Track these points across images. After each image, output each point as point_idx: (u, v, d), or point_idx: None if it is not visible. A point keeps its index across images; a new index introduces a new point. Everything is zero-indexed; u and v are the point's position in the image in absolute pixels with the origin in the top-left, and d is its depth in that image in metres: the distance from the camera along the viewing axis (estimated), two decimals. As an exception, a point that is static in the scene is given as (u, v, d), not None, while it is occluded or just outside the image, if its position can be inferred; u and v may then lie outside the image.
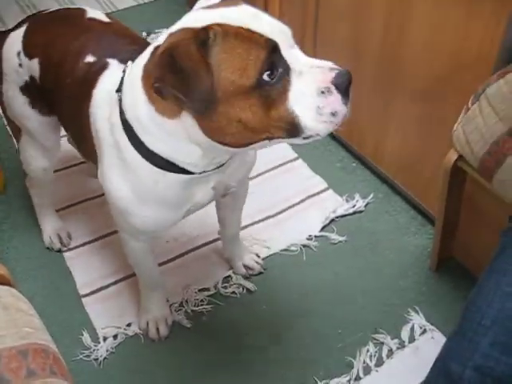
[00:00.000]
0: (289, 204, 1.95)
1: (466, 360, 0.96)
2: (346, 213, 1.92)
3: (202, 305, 1.67)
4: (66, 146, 2.16)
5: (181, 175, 1.16)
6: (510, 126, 1.23)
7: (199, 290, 1.70)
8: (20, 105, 1.54)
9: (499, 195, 1.33)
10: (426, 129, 1.75)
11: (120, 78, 1.18)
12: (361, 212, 1.94)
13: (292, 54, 1.00)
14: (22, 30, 1.52)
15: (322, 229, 1.87)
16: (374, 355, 1.56)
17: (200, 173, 1.17)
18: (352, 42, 1.90)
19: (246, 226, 1.86)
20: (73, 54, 1.39)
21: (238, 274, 1.75)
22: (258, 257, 1.78)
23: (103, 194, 1.93)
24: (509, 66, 1.32)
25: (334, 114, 1.00)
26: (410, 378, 1.51)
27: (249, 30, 0.98)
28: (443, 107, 1.64)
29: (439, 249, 1.70)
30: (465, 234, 1.68)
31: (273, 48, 0.97)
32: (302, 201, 1.96)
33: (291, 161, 2.11)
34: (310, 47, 2.12)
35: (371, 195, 1.98)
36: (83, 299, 1.69)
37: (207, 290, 1.71)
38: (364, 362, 1.55)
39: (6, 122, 2.18)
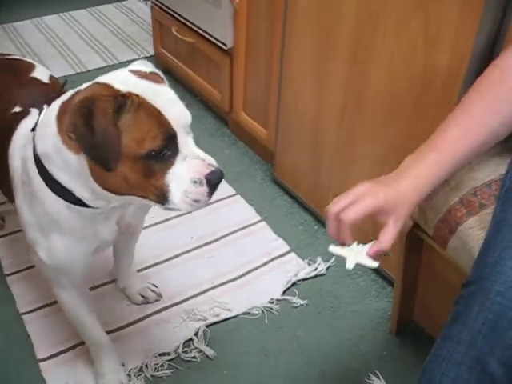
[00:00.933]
0: (251, 267, 1.95)
1: (492, 348, 0.95)
2: (308, 276, 1.93)
3: (161, 369, 1.65)
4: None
5: (83, 208, 1.23)
6: (462, 195, 1.27)
7: (159, 355, 1.68)
8: None
9: (453, 260, 1.36)
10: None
11: (36, 120, 1.29)
12: (323, 275, 1.95)
13: (185, 141, 1.16)
14: None
15: (284, 292, 1.88)
16: (335, 421, 1.55)
17: (99, 208, 1.25)
18: (314, 107, 1.95)
19: (208, 290, 1.87)
20: (3, 104, 1.48)
21: (134, 303, 1.83)
22: (155, 286, 1.86)
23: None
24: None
25: (196, 201, 1.15)
26: None
27: (159, 112, 1.11)
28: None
29: (399, 313, 1.71)
30: (424, 298, 1.70)
31: (171, 135, 1.12)
32: (265, 264, 1.96)
33: (254, 224, 2.13)
34: (275, 110, 2.17)
35: (333, 258, 2.00)
36: (41, 364, 1.65)
37: (167, 354, 1.69)
38: (324, 428, 1.54)
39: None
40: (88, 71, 3.12)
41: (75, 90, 1.20)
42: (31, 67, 1.66)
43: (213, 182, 1.16)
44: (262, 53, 2.22)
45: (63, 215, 1.25)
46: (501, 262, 0.99)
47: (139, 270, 1.92)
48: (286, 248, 2.03)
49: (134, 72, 1.21)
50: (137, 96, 1.11)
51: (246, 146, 2.55)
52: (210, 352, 1.69)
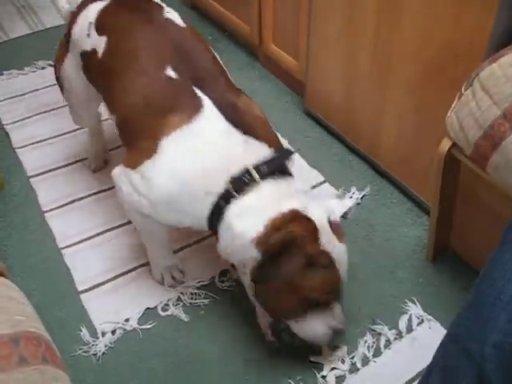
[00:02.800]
0: (285, 198, 1.95)
1: (485, 337, 0.94)
2: (343, 205, 1.92)
3: (199, 298, 1.68)
4: (59, 144, 2.18)
5: None
6: (504, 109, 1.23)
7: (197, 283, 1.71)
8: (73, 66, 1.73)
9: (494, 182, 1.33)
10: (421, 120, 1.75)
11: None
12: (357, 204, 1.94)
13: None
14: (101, 5, 1.65)
15: (319, 221, 1.88)
16: (372, 346, 1.56)
17: None
18: (346, 33, 1.90)
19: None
20: (148, 53, 1.50)
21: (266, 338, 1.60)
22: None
23: (100, 192, 1.96)
24: (501, 51, 1.32)
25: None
26: (408, 368, 1.51)
27: (338, 281, 1.41)
28: (437, 98, 1.64)
29: (435, 239, 1.70)
30: (461, 224, 1.68)
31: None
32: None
33: (287, 155, 2.11)
34: (304, 40, 2.13)
35: (367, 188, 1.99)
36: (81, 295, 1.69)
37: (204, 283, 1.71)
38: (362, 353, 1.55)
39: (3, 122, 2.21)
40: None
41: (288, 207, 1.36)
42: (160, 7, 1.68)
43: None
44: (291, -19, 2.16)
45: None
46: None
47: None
48: (321, 178, 2.02)
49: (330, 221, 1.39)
50: (330, 259, 1.34)
51: (276, 78, 2.51)
52: (246, 281, 1.71)
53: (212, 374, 1.52)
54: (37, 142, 2.20)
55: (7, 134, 2.25)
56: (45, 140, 2.21)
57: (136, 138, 1.47)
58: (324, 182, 2.01)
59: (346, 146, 2.14)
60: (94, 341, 1.58)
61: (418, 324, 1.61)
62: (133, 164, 1.45)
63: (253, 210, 1.36)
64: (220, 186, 1.37)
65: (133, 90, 1.49)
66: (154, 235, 1.62)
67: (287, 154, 1.49)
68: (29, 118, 2.32)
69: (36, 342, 0.75)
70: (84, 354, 1.56)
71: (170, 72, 1.45)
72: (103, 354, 1.56)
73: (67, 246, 1.82)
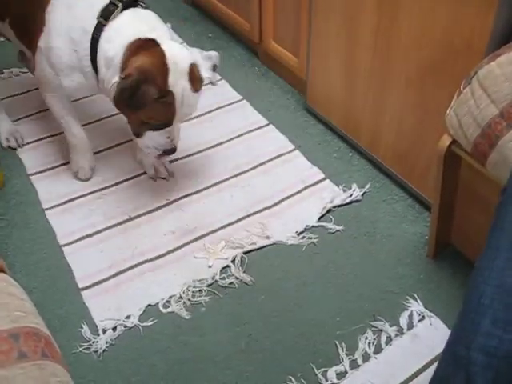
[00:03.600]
0: (286, 195, 1.95)
1: (470, 342, 0.95)
2: (344, 202, 1.93)
3: (200, 296, 1.68)
4: (59, 143, 2.18)
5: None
6: (502, 108, 1.23)
7: (198, 281, 1.71)
8: None
9: (494, 178, 1.33)
10: (421, 116, 1.75)
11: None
12: (358, 201, 1.94)
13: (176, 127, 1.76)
14: None
15: (320, 219, 1.88)
16: (373, 342, 1.56)
17: None
18: (347, 30, 1.90)
19: (243, 218, 1.87)
20: None
21: (148, 174, 2.03)
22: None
23: (101, 189, 1.97)
24: (500, 49, 1.32)
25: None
26: (409, 365, 1.51)
27: (175, 111, 1.68)
28: (437, 94, 1.64)
29: (436, 235, 1.70)
30: (461, 220, 1.68)
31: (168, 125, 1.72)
32: (300, 191, 1.96)
33: (288, 152, 2.11)
34: (305, 38, 2.13)
35: (368, 184, 1.99)
36: (82, 292, 1.69)
37: (205, 281, 1.71)
38: (363, 350, 1.55)
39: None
40: None
41: (139, 35, 1.63)
42: None
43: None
44: (291, -23, 2.16)
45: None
46: None
47: (173, 201, 1.94)
48: (321, 175, 2.02)
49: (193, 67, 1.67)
50: (173, 96, 1.63)
51: (276, 75, 2.51)
52: (247, 279, 1.71)
53: (213, 371, 1.52)
54: (37, 141, 2.20)
55: (8, 132, 2.25)
56: (45, 138, 2.21)
57: (30, 26, 1.77)
58: (324, 179, 2.00)
59: (347, 142, 2.14)
60: (94, 338, 1.58)
61: (419, 320, 1.61)
62: (36, 47, 1.76)
63: (117, 33, 1.64)
64: (93, 21, 1.66)
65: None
66: (69, 122, 1.94)
67: None
68: (29, 116, 2.32)
69: (36, 338, 0.75)
70: (85, 351, 1.56)
71: None
72: (104, 350, 1.56)
73: (68, 244, 1.82)
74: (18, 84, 2.49)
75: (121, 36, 1.64)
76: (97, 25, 1.66)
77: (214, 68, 1.76)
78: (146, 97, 1.59)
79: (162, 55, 1.61)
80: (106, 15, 1.65)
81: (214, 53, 1.77)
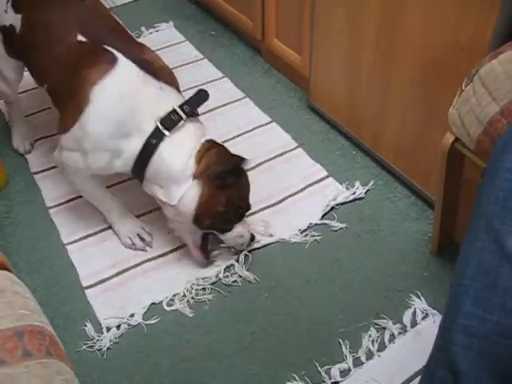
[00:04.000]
0: (289, 192, 1.95)
1: (451, 323, 0.95)
2: (347, 200, 1.92)
3: (204, 294, 1.68)
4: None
5: None
6: (502, 106, 1.23)
7: (202, 279, 1.71)
8: None
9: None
10: (425, 114, 1.74)
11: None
12: (361, 199, 1.94)
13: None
14: None
15: (323, 216, 1.88)
16: (376, 340, 1.56)
17: None
18: (350, 27, 1.89)
19: (247, 216, 1.86)
20: (58, 24, 1.69)
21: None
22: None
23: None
24: (502, 47, 1.32)
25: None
26: (413, 362, 1.51)
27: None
28: (440, 92, 1.64)
29: (439, 233, 1.70)
30: (465, 218, 1.66)
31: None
32: (303, 189, 1.96)
33: (291, 150, 2.11)
34: (308, 35, 2.12)
35: (371, 182, 1.98)
36: (86, 291, 1.69)
37: (209, 279, 1.71)
38: (366, 348, 1.55)
39: (7, 119, 2.23)
40: (116, 6, 3.07)
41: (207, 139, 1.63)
42: None
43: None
44: (293, -25, 2.16)
45: None
46: (509, 143, 0.98)
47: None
48: (324, 173, 2.01)
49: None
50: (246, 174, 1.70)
51: (279, 73, 2.51)
52: (250, 277, 1.71)
53: (216, 369, 1.52)
54: (41, 139, 2.20)
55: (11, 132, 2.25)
56: (48, 136, 2.21)
57: (66, 99, 1.63)
58: (327, 176, 2.00)
59: (350, 140, 2.14)
60: (98, 336, 1.59)
61: (423, 318, 1.61)
62: (68, 123, 1.60)
63: (183, 145, 1.57)
64: (150, 124, 1.55)
65: (52, 58, 1.66)
66: (100, 194, 1.81)
67: (204, 95, 1.67)
68: (33, 114, 2.32)
69: (40, 336, 0.75)
70: (89, 350, 1.56)
71: (81, 37, 1.63)
72: (108, 349, 1.56)
73: (72, 242, 1.83)
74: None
75: (185, 149, 1.58)
76: (155, 130, 1.55)
77: None
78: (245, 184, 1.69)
79: (221, 146, 1.67)
80: (168, 125, 1.55)
81: None
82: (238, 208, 1.65)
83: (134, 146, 1.56)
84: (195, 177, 1.56)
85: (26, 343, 0.72)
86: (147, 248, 1.79)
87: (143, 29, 2.81)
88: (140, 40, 2.69)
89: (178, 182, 1.56)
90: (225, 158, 1.60)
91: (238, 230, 1.67)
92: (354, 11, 1.85)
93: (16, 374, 0.68)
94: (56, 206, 1.95)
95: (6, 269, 0.84)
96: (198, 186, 1.56)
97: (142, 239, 1.80)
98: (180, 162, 1.56)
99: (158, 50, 2.63)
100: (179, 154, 1.56)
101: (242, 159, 1.60)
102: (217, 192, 1.57)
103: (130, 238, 1.80)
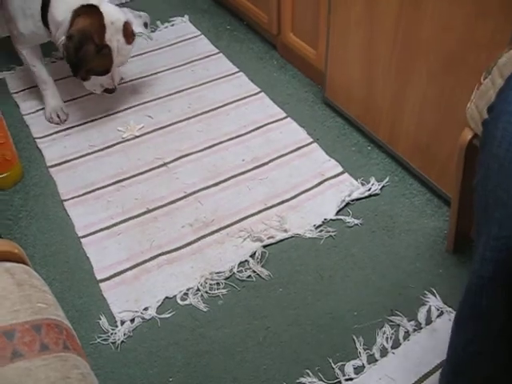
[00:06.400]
0: (304, 188, 1.94)
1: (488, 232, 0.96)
2: (362, 196, 1.91)
3: (218, 289, 1.68)
4: (77, 135, 2.19)
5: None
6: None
7: (216, 273, 1.71)
8: None
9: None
10: (442, 109, 1.73)
11: None
12: (376, 195, 1.93)
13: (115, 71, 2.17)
14: None
15: (338, 212, 1.87)
16: (391, 337, 1.56)
17: None
18: (367, 20, 1.88)
19: (261, 211, 1.87)
20: None
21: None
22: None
23: (119, 181, 1.97)
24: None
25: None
26: (427, 360, 1.51)
27: (111, 62, 2.10)
28: (459, 88, 1.62)
29: (455, 230, 1.68)
30: (482, 215, 1.66)
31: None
32: (318, 185, 1.95)
33: (306, 145, 2.10)
34: (324, 30, 2.11)
35: (387, 178, 1.97)
36: (100, 284, 1.69)
37: (223, 274, 1.71)
38: (380, 344, 1.54)
39: (22, 113, 2.24)
40: (132, 1, 3.07)
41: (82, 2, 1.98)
42: None
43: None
44: (310, -31, 2.14)
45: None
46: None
47: (191, 193, 1.94)
48: (339, 169, 2.00)
49: (126, 25, 2.07)
50: (109, 49, 2.03)
51: (295, 68, 2.50)
52: (265, 273, 1.71)
53: (230, 363, 1.52)
54: (56, 133, 2.21)
55: (27, 124, 2.26)
56: (65, 130, 2.22)
57: None
58: (343, 172, 1.99)
59: (365, 136, 2.13)
60: (112, 329, 1.59)
61: (438, 316, 1.60)
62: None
63: (64, 1, 1.98)
64: None
65: None
66: (38, 70, 2.23)
67: None
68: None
69: (57, 330, 0.75)
70: (103, 343, 1.57)
71: None
72: (122, 342, 1.57)
73: (86, 235, 1.83)
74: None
75: (67, 3, 1.98)
76: None
77: (146, 25, 2.18)
78: (87, 53, 1.98)
79: (100, 17, 1.98)
80: None
81: (143, 13, 2.20)
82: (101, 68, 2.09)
83: (38, 6, 2.01)
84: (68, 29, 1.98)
85: (44, 337, 0.72)
86: (161, 243, 1.79)
87: (158, 23, 2.80)
88: (155, 34, 2.71)
89: (59, 31, 2.01)
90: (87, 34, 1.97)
91: (94, 79, 2.13)
92: (371, 6, 1.83)
93: (34, 368, 0.68)
94: (71, 198, 1.95)
95: (23, 262, 0.85)
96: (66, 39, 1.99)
97: (59, 116, 2.25)
98: (59, 14, 1.99)
99: (173, 44, 2.66)
100: (60, 7, 1.99)
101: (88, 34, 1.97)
102: (71, 47, 1.97)
103: (50, 113, 2.25)
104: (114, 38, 2.03)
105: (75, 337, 0.81)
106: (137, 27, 2.14)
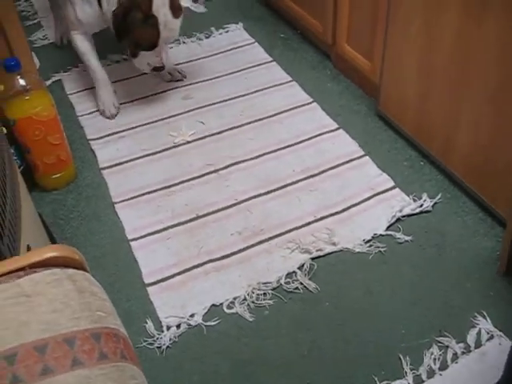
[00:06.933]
0: (354, 201, 1.93)
1: None
2: (413, 212, 1.89)
3: (264, 299, 1.68)
4: (131, 138, 2.21)
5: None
6: None
7: (263, 284, 1.70)
8: None
9: None
10: (499, 127, 1.69)
11: None
12: (428, 212, 1.90)
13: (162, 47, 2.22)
14: None
15: (388, 227, 1.85)
16: (438, 358, 1.53)
17: None
18: (425, 35, 1.85)
19: (310, 223, 1.86)
20: None
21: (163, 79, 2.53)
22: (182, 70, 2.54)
23: (171, 186, 1.99)
24: None
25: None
26: (476, 384, 1.48)
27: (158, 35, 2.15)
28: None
29: (509, 252, 1.65)
30: (537, 238, 1.62)
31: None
32: (369, 198, 1.93)
33: (358, 158, 2.09)
34: (380, 42, 2.10)
35: (439, 195, 1.94)
36: (148, 288, 1.71)
37: (270, 284, 1.70)
38: (428, 365, 1.51)
39: (77, 114, 2.28)
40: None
41: None
42: None
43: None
44: (369, -19, 2.13)
45: None
46: None
47: (241, 201, 1.94)
48: (391, 183, 1.98)
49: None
50: (156, 20, 2.09)
51: (348, 79, 2.48)
52: (312, 286, 1.70)
53: (274, 375, 1.51)
54: (110, 135, 2.24)
55: (81, 125, 2.30)
56: (118, 132, 2.25)
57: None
58: (394, 187, 1.97)
59: (418, 151, 2.10)
60: (158, 334, 1.60)
61: (488, 339, 1.56)
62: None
63: None
64: None
65: None
66: (91, 61, 2.32)
67: None
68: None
69: (115, 339, 0.76)
70: (148, 347, 1.58)
71: None
72: (167, 347, 1.58)
73: (135, 239, 1.85)
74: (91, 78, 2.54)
75: None
76: None
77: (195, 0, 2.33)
78: (134, 21, 2.06)
79: None
80: None
81: None
82: (135, 39, 2.14)
83: None
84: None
85: (103, 345, 0.73)
86: (210, 249, 1.79)
87: (213, 29, 2.82)
88: (209, 40, 2.73)
89: (110, 4, 2.11)
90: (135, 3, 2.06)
91: (143, 54, 2.20)
92: (432, 19, 1.81)
93: (93, 377, 0.69)
94: (122, 201, 1.98)
95: (83, 268, 0.85)
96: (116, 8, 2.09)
97: (110, 111, 2.33)
98: None
99: (227, 50, 2.68)
100: None
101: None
102: (119, 13, 2.07)
103: (101, 105, 2.34)
104: (160, 11, 2.08)
105: (131, 346, 0.81)
106: (185, 1, 2.22)
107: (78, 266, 0.85)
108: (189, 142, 2.19)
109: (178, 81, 2.51)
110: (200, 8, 2.28)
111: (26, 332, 0.71)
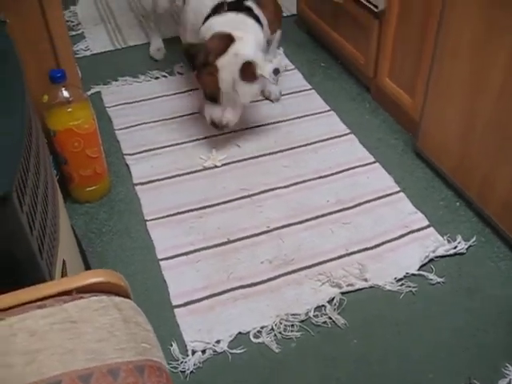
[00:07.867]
0: (387, 238, 1.91)
1: None
2: (447, 253, 1.86)
3: (292, 331, 1.66)
4: (167, 155, 2.22)
5: None
6: None
7: (291, 315, 1.69)
8: None
9: None
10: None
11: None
12: (461, 254, 1.87)
13: None
14: None
15: (421, 267, 1.82)
16: (467, 406, 1.50)
17: None
18: (472, 74, 1.83)
19: (342, 256, 1.84)
20: None
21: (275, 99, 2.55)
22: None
23: (204, 207, 1.98)
24: None
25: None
26: None
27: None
28: None
29: (545, 303, 1.62)
30: None
31: None
32: (402, 236, 1.91)
33: (393, 193, 2.07)
34: (423, 80, 2.09)
35: (474, 238, 1.91)
36: (175, 310, 1.70)
37: (299, 316, 1.69)
38: (455, 412, 1.49)
39: (114, 128, 2.28)
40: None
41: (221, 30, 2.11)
42: None
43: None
44: (416, 19, 2.11)
45: None
46: None
47: (274, 229, 1.93)
48: (425, 222, 1.96)
49: (248, 64, 2.07)
50: (215, 70, 2.07)
51: (386, 112, 2.47)
52: (341, 321, 1.68)
53: (298, 410, 1.50)
54: (145, 151, 2.25)
55: (118, 139, 2.31)
56: (154, 150, 2.26)
57: None
58: (429, 226, 1.95)
59: (455, 191, 2.08)
60: (183, 358, 1.59)
61: (518, 391, 1.53)
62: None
63: (214, 24, 2.15)
64: (207, 10, 2.22)
65: None
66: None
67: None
68: (140, 125, 2.38)
69: (158, 373, 0.75)
70: (173, 370, 1.56)
71: None
72: (191, 372, 1.56)
73: (165, 259, 1.84)
74: (131, 93, 2.56)
75: (211, 30, 2.13)
76: (208, 14, 2.20)
77: (276, 71, 2.09)
78: (197, 60, 2.08)
79: (228, 44, 2.06)
80: (214, 11, 2.19)
81: (278, 59, 2.26)
82: (208, 90, 2.15)
83: (200, 23, 2.23)
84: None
85: (146, 380, 0.72)
86: (239, 275, 1.78)
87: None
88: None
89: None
90: (207, 49, 2.09)
91: (208, 104, 2.18)
92: (480, 58, 1.79)
93: (136, 411, 0.68)
94: (153, 219, 1.98)
95: (127, 295, 0.85)
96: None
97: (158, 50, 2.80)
98: (206, 32, 2.17)
99: (267, 75, 2.66)
100: (207, 28, 2.18)
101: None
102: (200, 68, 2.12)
103: (151, 51, 2.81)
104: (228, 67, 2.05)
105: (172, 381, 0.80)
106: (263, 70, 2.07)
107: (122, 293, 0.84)
108: (217, 167, 2.19)
109: (270, 100, 2.54)
110: (275, 81, 2.18)
111: (71, 360, 0.70)
